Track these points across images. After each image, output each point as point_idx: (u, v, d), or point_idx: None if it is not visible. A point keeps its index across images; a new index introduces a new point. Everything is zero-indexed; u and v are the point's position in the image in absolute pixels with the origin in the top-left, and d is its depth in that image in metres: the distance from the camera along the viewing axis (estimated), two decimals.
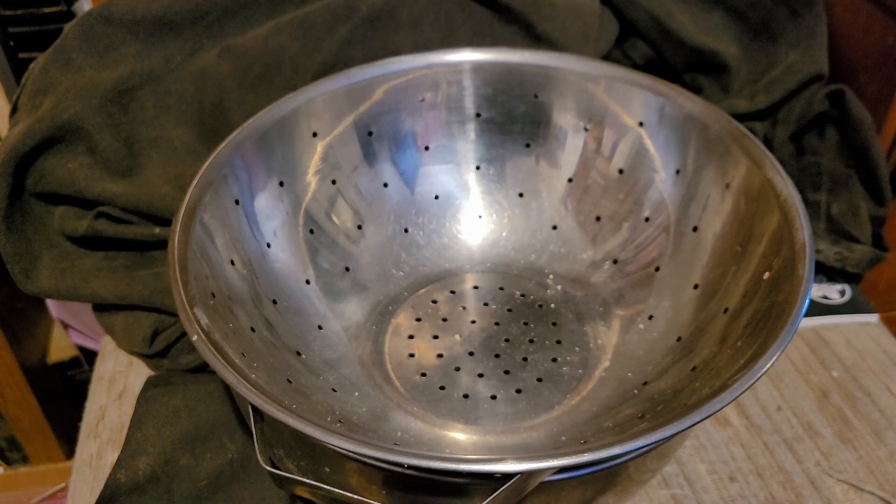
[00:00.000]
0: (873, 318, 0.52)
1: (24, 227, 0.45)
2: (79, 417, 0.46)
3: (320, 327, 0.42)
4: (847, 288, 0.53)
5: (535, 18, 0.53)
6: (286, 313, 0.40)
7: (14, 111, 0.49)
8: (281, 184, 0.43)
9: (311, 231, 0.44)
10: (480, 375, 0.42)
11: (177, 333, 0.45)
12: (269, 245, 0.41)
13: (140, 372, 0.47)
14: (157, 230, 0.46)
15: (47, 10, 0.63)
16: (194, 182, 0.38)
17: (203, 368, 0.46)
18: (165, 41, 0.50)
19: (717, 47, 0.57)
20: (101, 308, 0.47)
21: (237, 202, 0.40)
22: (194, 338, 0.30)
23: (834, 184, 0.53)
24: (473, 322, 0.45)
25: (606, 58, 0.59)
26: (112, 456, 0.43)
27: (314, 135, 0.44)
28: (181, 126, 0.50)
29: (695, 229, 0.42)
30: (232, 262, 0.38)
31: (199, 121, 0.50)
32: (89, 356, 0.82)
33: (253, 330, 0.37)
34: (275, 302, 0.40)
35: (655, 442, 0.27)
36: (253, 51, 0.49)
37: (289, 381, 0.36)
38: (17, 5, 0.63)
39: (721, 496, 0.41)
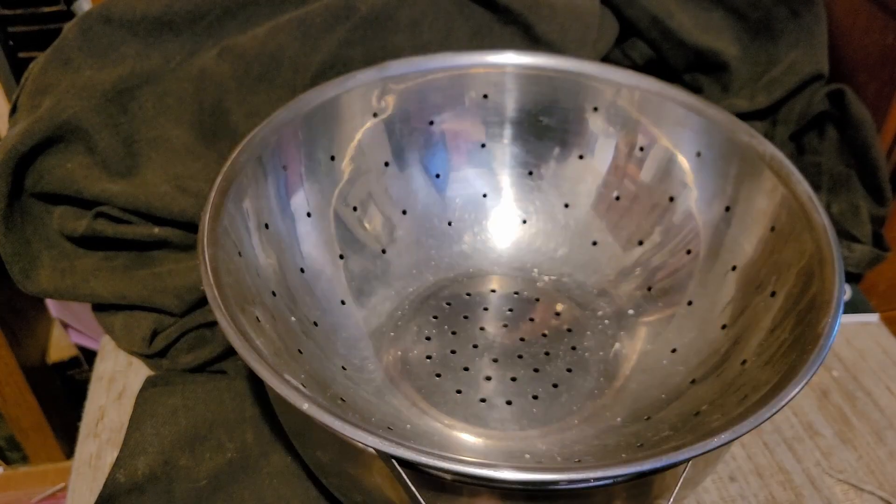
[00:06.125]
0: (873, 318, 0.52)
1: (23, 227, 0.45)
2: (78, 417, 0.46)
3: (346, 333, 0.42)
4: (847, 288, 0.53)
5: (535, 19, 0.53)
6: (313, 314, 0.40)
7: (14, 111, 0.49)
8: (306, 192, 0.42)
9: (342, 238, 0.44)
10: (498, 380, 0.41)
11: (176, 333, 0.45)
12: (302, 270, 0.41)
13: (139, 372, 0.47)
14: (156, 230, 0.46)
15: (47, 9, 0.63)
16: (211, 198, 0.36)
17: (202, 368, 0.46)
18: (165, 41, 0.50)
19: (717, 47, 0.57)
20: (100, 308, 0.47)
21: (266, 226, 0.39)
22: (305, 407, 0.28)
23: (834, 183, 0.53)
24: (494, 327, 0.44)
25: (606, 58, 0.59)
26: (111, 456, 0.43)
27: (345, 134, 0.44)
28: (180, 126, 0.50)
29: (725, 257, 0.41)
30: (274, 294, 0.38)
31: (199, 121, 0.50)
32: (89, 356, 0.82)
33: (301, 352, 0.37)
34: (315, 324, 0.40)
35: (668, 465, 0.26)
36: (252, 51, 0.49)
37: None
38: (17, 5, 0.63)
39: (721, 496, 0.41)
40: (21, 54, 0.65)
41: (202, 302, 0.46)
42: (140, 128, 0.49)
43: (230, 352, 0.46)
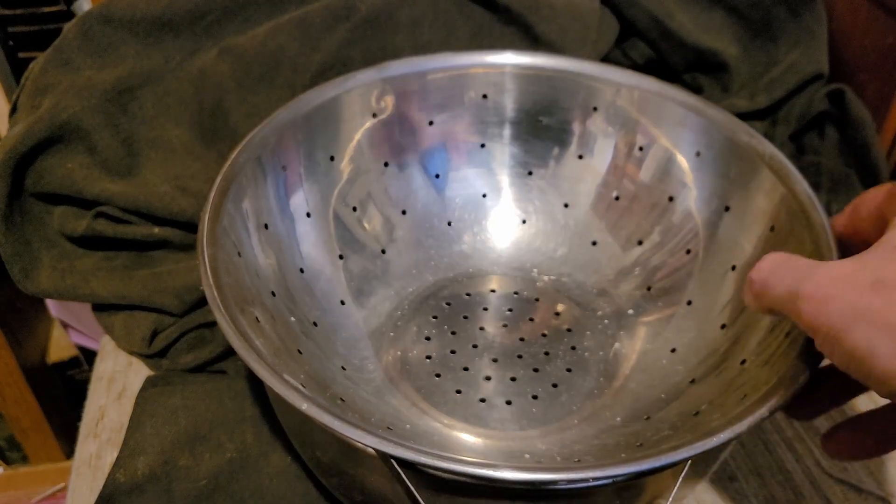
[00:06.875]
0: None
1: (23, 227, 0.45)
2: (78, 417, 0.46)
3: (345, 333, 0.42)
4: None
5: (535, 20, 0.53)
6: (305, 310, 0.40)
7: (14, 111, 0.49)
8: (306, 192, 0.42)
9: (342, 238, 0.44)
10: (497, 380, 0.41)
11: (176, 333, 0.45)
12: (302, 270, 0.41)
13: (139, 372, 0.47)
14: (156, 230, 0.46)
15: (47, 9, 0.64)
16: (212, 194, 0.36)
17: (202, 368, 0.46)
18: (165, 41, 0.50)
19: (717, 47, 0.57)
20: (100, 308, 0.47)
21: (266, 226, 0.39)
22: (301, 405, 0.27)
23: (834, 183, 0.53)
24: (494, 327, 0.44)
25: (606, 58, 0.59)
26: (111, 456, 0.43)
27: (344, 134, 0.44)
28: (180, 126, 0.50)
29: (724, 257, 0.41)
30: (273, 294, 0.38)
31: (199, 121, 0.50)
32: (89, 356, 0.82)
33: (300, 352, 0.37)
34: (315, 324, 0.40)
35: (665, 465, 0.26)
36: (252, 51, 0.49)
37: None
38: (17, 5, 0.63)
39: (721, 496, 0.41)
40: (21, 54, 0.65)
41: (202, 302, 0.46)
42: (140, 128, 0.49)
43: (230, 352, 0.46)
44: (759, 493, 0.41)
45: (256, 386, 0.44)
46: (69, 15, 0.64)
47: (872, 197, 0.31)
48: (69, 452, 0.86)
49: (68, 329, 0.80)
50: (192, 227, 0.47)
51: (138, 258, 0.47)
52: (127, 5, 0.49)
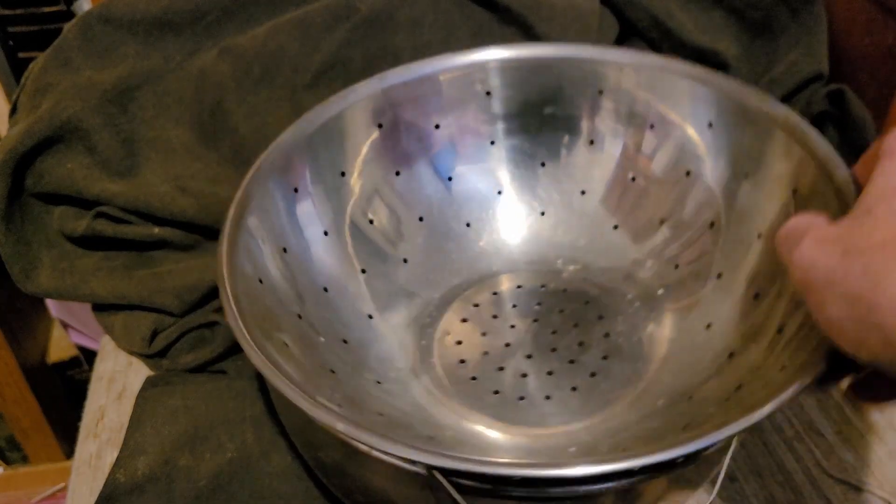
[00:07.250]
0: None
1: (23, 227, 0.45)
2: (78, 417, 0.46)
3: (376, 347, 0.42)
4: None
5: (535, 19, 0.53)
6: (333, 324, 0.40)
7: (14, 111, 0.49)
8: (320, 212, 0.42)
9: (361, 252, 0.43)
10: (534, 376, 0.41)
11: (176, 333, 0.45)
12: (326, 289, 0.41)
13: (139, 372, 0.47)
14: (156, 230, 0.46)
15: (47, 9, 0.64)
16: (232, 211, 0.36)
17: (202, 368, 0.46)
18: (165, 41, 0.50)
19: (717, 47, 0.57)
20: (100, 308, 0.47)
21: (284, 250, 0.39)
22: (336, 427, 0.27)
23: None
24: (524, 323, 0.43)
25: None
26: (111, 456, 0.43)
27: (352, 148, 0.44)
28: (180, 126, 0.50)
29: (749, 226, 0.40)
30: (299, 317, 0.37)
31: (199, 121, 0.50)
32: (89, 356, 0.82)
33: (333, 371, 0.37)
34: (345, 342, 0.40)
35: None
36: (252, 51, 0.49)
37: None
38: (17, 5, 0.63)
39: (721, 496, 0.41)
40: (21, 54, 0.66)
41: (202, 302, 0.46)
42: (140, 128, 0.49)
43: (230, 352, 0.46)
44: (760, 494, 0.41)
45: (258, 386, 0.44)
46: (69, 15, 0.64)
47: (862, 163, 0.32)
48: (69, 452, 0.86)
49: (68, 329, 0.80)
50: (191, 227, 0.47)
51: (138, 258, 0.47)
52: (127, 5, 0.49)
